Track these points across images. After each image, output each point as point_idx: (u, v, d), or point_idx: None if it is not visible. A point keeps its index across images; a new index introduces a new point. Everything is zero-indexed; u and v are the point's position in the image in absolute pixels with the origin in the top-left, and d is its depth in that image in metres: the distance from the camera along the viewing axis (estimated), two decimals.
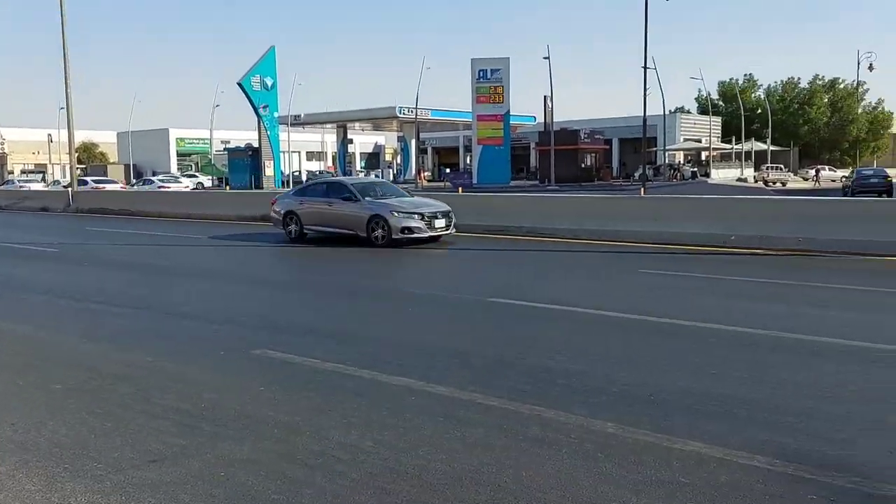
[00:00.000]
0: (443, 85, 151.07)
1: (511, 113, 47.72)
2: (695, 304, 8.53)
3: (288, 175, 51.76)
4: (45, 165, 72.09)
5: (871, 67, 58.40)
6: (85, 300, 9.32)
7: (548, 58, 46.35)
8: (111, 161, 78.97)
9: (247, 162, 47.72)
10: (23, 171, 69.46)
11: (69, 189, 30.35)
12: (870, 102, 77.99)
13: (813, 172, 55.07)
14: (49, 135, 68.68)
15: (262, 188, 42.39)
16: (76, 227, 21.89)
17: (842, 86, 76.80)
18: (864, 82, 73.32)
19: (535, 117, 61.38)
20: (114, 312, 8.56)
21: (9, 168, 70.36)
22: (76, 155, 31.41)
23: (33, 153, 79.02)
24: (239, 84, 44.71)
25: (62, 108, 34.34)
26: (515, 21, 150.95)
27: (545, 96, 50.46)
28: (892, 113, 78.81)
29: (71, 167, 30.75)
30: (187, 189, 45.19)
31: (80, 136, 69.98)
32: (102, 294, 9.76)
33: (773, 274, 10.68)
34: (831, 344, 6.37)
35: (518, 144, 60.49)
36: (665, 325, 7.22)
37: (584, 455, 4.01)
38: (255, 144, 47.90)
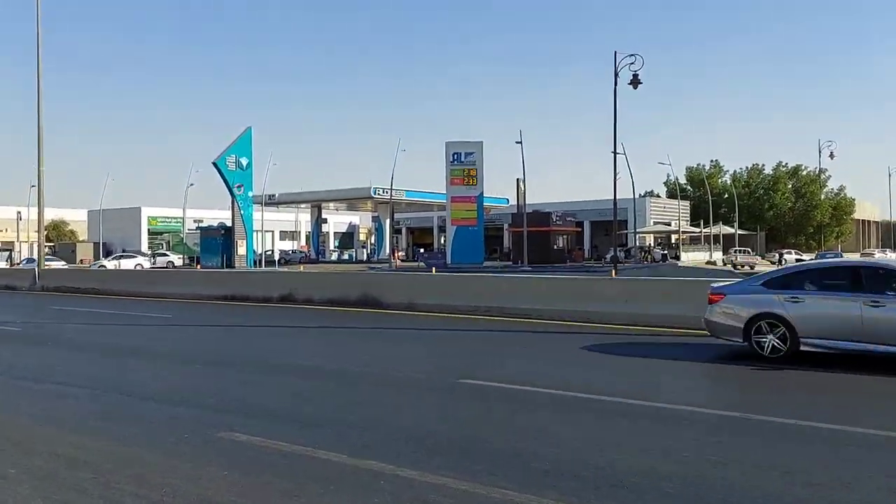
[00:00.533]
0: (417, 166, 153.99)
1: (484, 195, 48.59)
2: (654, 383, 8.51)
3: (260, 254, 51.69)
4: (12, 243, 71.23)
5: (831, 155, 60.89)
6: (44, 381, 9.05)
7: (520, 142, 47.67)
8: (80, 239, 78.35)
9: (219, 241, 47.66)
10: None
11: (35, 267, 29.93)
12: (832, 189, 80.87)
13: (778, 256, 56.40)
14: (18, 212, 68.15)
15: (233, 267, 42.20)
16: (40, 306, 21.46)
17: (804, 172, 79.67)
18: (826, 169, 76.28)
19: (507, 199, 62.54)
20: (74, 394, 8.30)
21: None
22: (45, 233, 31.09)
23: (1, 231, 78.18)
24: (214, 164, 45.16)
25: (33, 186, 34.28)
26: (490, 104, 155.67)
27: (518, 179, 51.63)
28: (853, 199, 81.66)
29: (39, 245, 30.42)
30: (140, 268, 44.67)
31: (50, 214, 69.67)
32: (63, 374, 9.48)
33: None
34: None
35: (492, 225, 61.37)
36: (626, 407, 7.18)
37: None
38: (229, 223, 47.96)
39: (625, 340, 12.13)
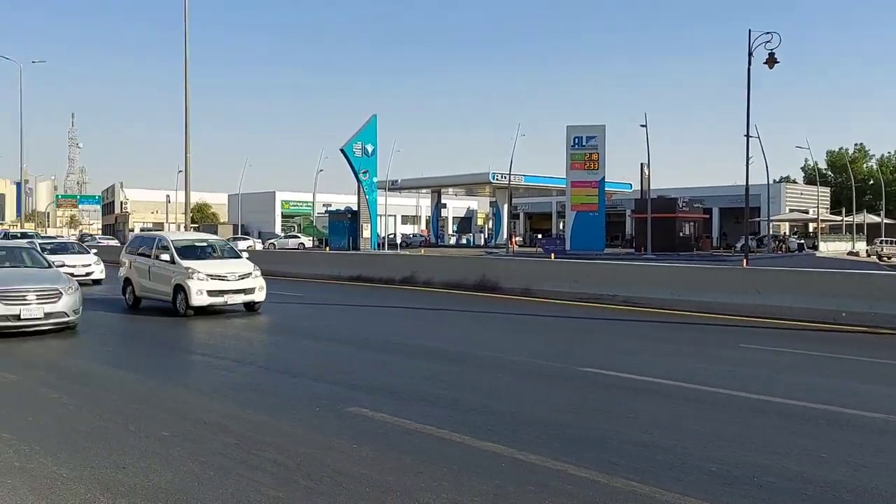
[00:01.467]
0: (537, 151, 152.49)
1: (606, 180, 47.53)
2: (798, 382, 8.10)
3: (383, 237, 53.14)
4: (161, 224, 76.97)
5: None
6: (189, 352, 9.82)
7: (645, 126, 46.14)
8: (221, 221, 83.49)
9: (346, 224, 49.45)
10: (141, 229, 74.43)
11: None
12: None
13: None
14: (167, 195, 73.53)
15: (359, 249, 43.66)
16: None
17: None
18: None
19: (630, 185, 60.86)
20: (221, 366, 8.96)
21: (130, 226, 75.48)
22: (190, 215, 33.43)
23: (152, 212, 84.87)
24: (342, 150, 46.75)
25: (180, 171, 36.88)
26: (613, 88, 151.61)
27: (642, 164, 50.08)
28: None
29: (186, 226, 32.72)
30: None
31: (195, 198, 74.58)
32: (207, 348, 10.24)
33: (885, 354, 10.03)
34: None
35: (613, 212, 59.97)
36: (766, 404, 6.89)
37: None
38: (355, 208, 49.62)
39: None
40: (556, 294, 16.87)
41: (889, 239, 54.51)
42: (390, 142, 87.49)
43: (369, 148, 47.07)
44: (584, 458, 5.13)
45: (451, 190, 71.77)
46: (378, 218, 50.88)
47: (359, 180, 46.95)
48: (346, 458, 5.12)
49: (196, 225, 73.77)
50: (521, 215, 78.71)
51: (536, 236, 63.12)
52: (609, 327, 12.94)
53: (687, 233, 51.28)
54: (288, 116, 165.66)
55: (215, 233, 71.17)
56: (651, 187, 49.37)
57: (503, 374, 8.54)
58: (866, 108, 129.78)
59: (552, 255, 35.18)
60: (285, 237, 61.37)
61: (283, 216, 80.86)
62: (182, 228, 43.48)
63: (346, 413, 6.40)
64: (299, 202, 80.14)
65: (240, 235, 60.65)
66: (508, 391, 7.57)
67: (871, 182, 69.00)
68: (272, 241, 57.18)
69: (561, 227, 58.93)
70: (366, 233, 47.34)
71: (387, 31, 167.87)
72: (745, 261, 26.34)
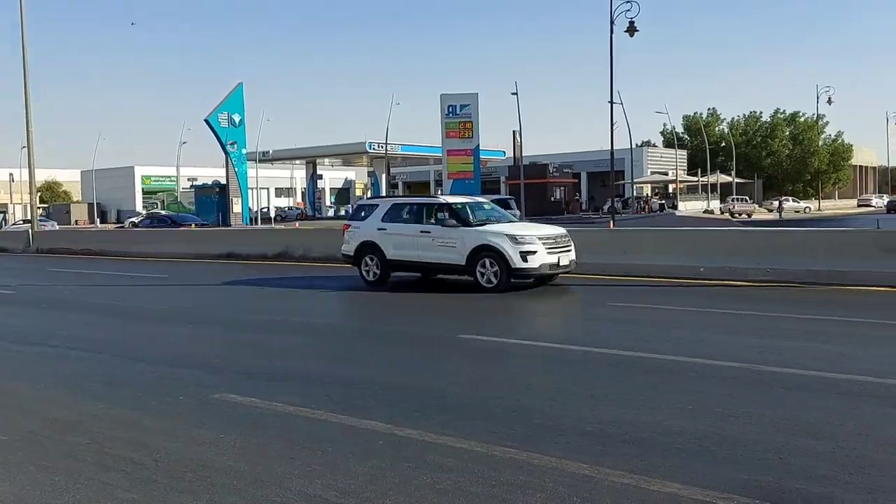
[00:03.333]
0: (413, 120, 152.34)
1: (481, 147, 48.05)
2: (667, 336, 8.43)
3: (256, 212, 51.30)
4: (5, 205, 70.72)
5: (829, 101, 60.21)
6: (40, 344, 8.95)
7: (516, 93, 46.95)
8: (75, 199, 77.81)
9: (215, 199, 47.26)
10: None
11: (29, 228, 29.69)
12: (829, 135, 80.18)
13: (776, 204, 56.18)
14: (10, 174, 67.48)
15: (229, 225, 41.96)
16: (36, 268, 21.32)
17: (802, 119, 78.92)
18: (824, 115, 75.45)
19: (504, 152, 61.90)
20: (72, 356, 8.21)
21: None
22: (38, 194, 30.78)
23: None
24: (206, 121, 44.47)
25: (24, 147, 33.78)
26: (484, 56, 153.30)
27: (514, 131, 50.97)
28: (851, 145, 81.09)
29: (32, 206, 30.12)
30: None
31: (43, 175, 69.03)
32: (61, 338, 9.37)
33: (745, 306, 10.67)
34: (811, 377, 6.28)
35: (488, 178, 60.87)
36: (636, 360, 7.10)
37: (559, 500, 3.82)
38: (223, 181, 47.53)
39: None
40: None
41: (740, 197, 58.70)
42: (259, 111, 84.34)
43: (236, 118, 45.06)
44: (462, 428, 5.03)
45: (326, 161, 70.27)
46: (249, 191, 49.02)
47: (226, 152, 44.91)
48: (211, 450, 4.76)
49: (45, 205, 68.45)
50: (400, 184, 78.48)
51: None
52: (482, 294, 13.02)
53: (558, 197, 53.02)
54: (145, 85, 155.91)
55: (68, 212, 66.45)
56: (523, 154, 50.45)
57: (378, 346, 8.35)
58: (719, 74, 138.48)
59: None
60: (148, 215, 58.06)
61: (145, 192, 76.39)
62: (28, 209, 39.56)
63: (211, 400, 5.98)
64: (162, 177, 75.99)
65: (153, 211, 56.14)
66: (387, 363, 7.39)
67: (724, 144, 73.75)
68: (132, 219, 53.62)
69: (439, 194, 59.21)
70: (236, 207, 45.48)
71: None
72: (611, 222, 27.43)
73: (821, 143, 77.76)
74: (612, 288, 12.82)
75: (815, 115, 74.82)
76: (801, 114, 79.50)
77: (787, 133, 79.01)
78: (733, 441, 4.67)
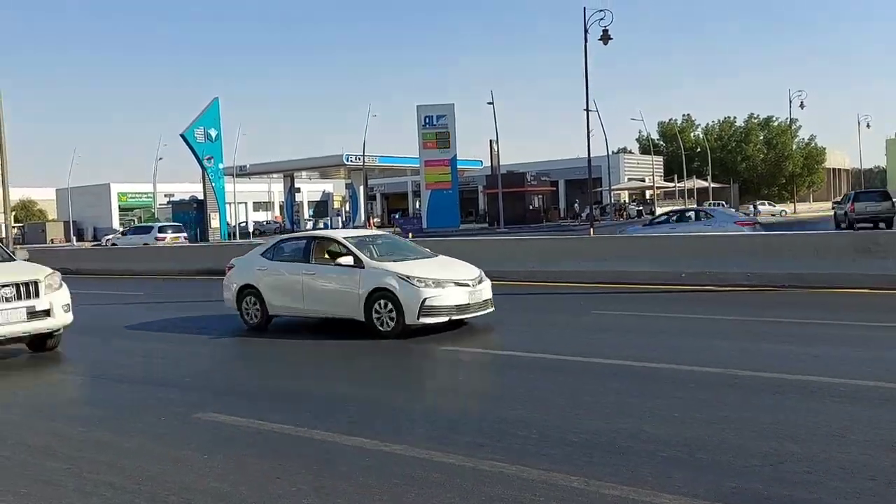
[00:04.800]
0: (390, 131, 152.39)
1: (458, 157, 48.18)
2: (649, 344, 8.45)
3: (234, 226, 50.94)
4: None
5: (802, 105, 61.10)
6: (5, 366, 8.76)
7: (492, 103, 47.19)
8: (50, 218, 76.75)
9: (192, 215, 46.83)
10: None
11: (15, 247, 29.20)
12: (803, 139, 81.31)
13: (752, 208, 56.77)
14: None
15: (207, 241, 41.60)
16: None
17: (776, 123, 79.95)
18: (797, 119, 76.50)
19: (481, 161, 62.10)
20: (42, 378, 8.04)
21: None
22: (13, 213, 30.31)
23: None
24: (182, 136, 44.17)
25: None
26: (461, 67, 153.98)
27: (491, 140, 51.26)
28: (824, 148, 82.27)
29: (6, 226, 29.62)
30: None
31: (17, 194, 67.95)
32: (34, 358, 9.18)
33: (727, 311, 10.73)
34: (792, 381, 6.31)
35: (466, 188, 61.09)
36: (620, 368, 7.09)
37: None
38: (200, 197, 47.16)
39: None
40: None
41: (716, 202, 59.25)
42: (235, 126, 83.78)
43: (212, 132, 44.80)
44: (449, 442, 4.98)
45: (304, 174, 70.01)
46: (227, 206, 48.71)
47: (203, 167, 44.62)
48: (194, 472, 4.67)
49: (21, 224, 67.50)
50: (378, 196, 78.35)
51: (394, 216, 63.07)
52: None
53: (536, 205, 53.27)
54: (120, 103, 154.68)
55: (43, 231, 65.50)
56: (500, 163, 50.66)
57: (362, 358, 8.28)
58: (692, 81, 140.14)
59: (409, 234, 35.17)
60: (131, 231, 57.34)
61: (121, 209, 75.52)
62: (2, 228, 38.84)
63: (193, 420, 5.88)
64: (138, 194, 75.18)
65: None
66: (375, 377, 7.32)
67: (699, 149, 74.50)
68: (110, 237, 52.81)
69: (417, 206, 59.22)
70: (214, 223, 45.16)
71: (224, 8, 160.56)
72: (591, 230, 27.56)
73: (794, 146, 78.82)
74: (594, 296, 12.84)
75: (789, 120, 75.95)
76: (774, 118, 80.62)
77: (762, 137, 79.98)
78: (718, 447, 4.67)
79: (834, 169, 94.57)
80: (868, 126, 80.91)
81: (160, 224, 40.99)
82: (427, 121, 46.42)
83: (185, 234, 37.41)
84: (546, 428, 5.24)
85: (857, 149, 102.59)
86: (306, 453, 4.93)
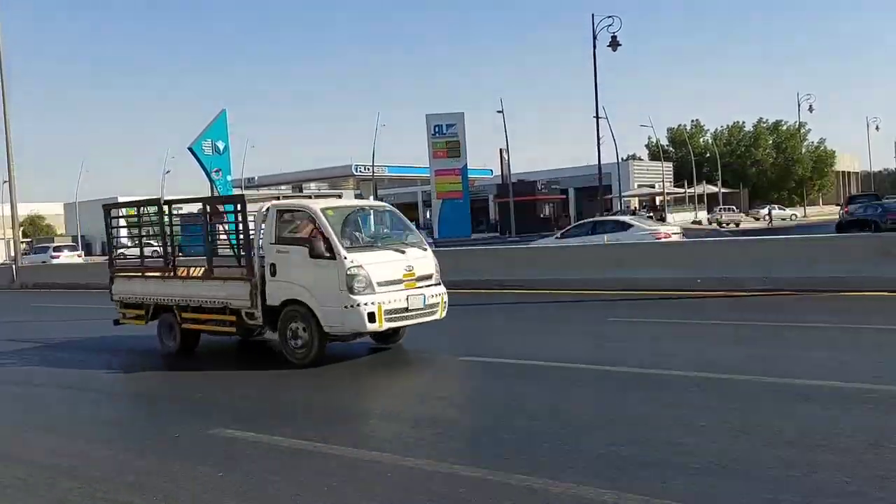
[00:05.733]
0: (399, 141, 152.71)
1: (468, 166, 48.11)
2: (670, 351, 8.28)
3: None
4: None
5: (811, 108, 60.84)
6: (25, 383, 8.68)
7: (501, 111, 47.16)
8: (59, 233, 77.08)
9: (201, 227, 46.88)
10: None
11: (13, 264, 29.28)
12: (812, 142, 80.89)
13: (765, 212, 56.40)
14: None
15: None
16: (20, 304, 20.95)
17: (784, 127, 79.60)
18: (806, 123, 76.15)
19: (492, 170, 62.04)
20: (55, 396, 7.95)
21: None
22: (21, 228, 30.42)
23: None
24: (190, 149, 44.24)
25: (5, 182, 33.45)
26: (470, 76, 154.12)
27: (501, 149, 51.17)
28: (833, 151, 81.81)
29: (15, 241, 29.70)
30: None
31: (25, 209, 68.29)
32: (44, 375, 9.10)
33: (746, 316, 10.55)
34: (817, 386, 6.13)
35: (477, 198, 60.95)
36: (642, 376, 6.94)
37: None
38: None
39: None
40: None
41: (726, 207, 58.97)
42: (244, 139, 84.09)
43: (220, 145, 44.65)
44: (473, 455, 4.85)
45: (313, 184, 70.20)
46: None
47: (211, 180, 44.50)
48: (211, 491, 4.54)
49: (28, 239, 67.82)
50: None
51: None
52: (482, 312, 12.86)
53: (547, 213, 53.10)
54: (127, 115, 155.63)
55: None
56: (511, 171, 50.57)
57: (363, 367, 8.15)
58: (701, 86, 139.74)
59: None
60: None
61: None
62: (11, 244, 38.46)
63: (209, 437, 5.76)
64: None
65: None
66: (381, 388, 7.19)
67: (708, 155, 74.21)
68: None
69: (428, 215, 59.16)
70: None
71: (235, 21, 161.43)
72: (605, 237, 27.35)
73: (804, 150, 78.39)
74: (610, 303, 12.68)
75: (798, 123, 75.60)
76: (783, 122, 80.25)
77: (771, 142, 79.57)
78: (750, 458, 4.51)
79: (843, 172, 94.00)
80: (877, 128, 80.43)
81: (55, 244, 41.85)
82: (437, 130, 46.38)
83: (80, 252, 38.20)
84: (572, 439, 5.09)
85: (866, 151, 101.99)
86: (324, 469, 4.80)
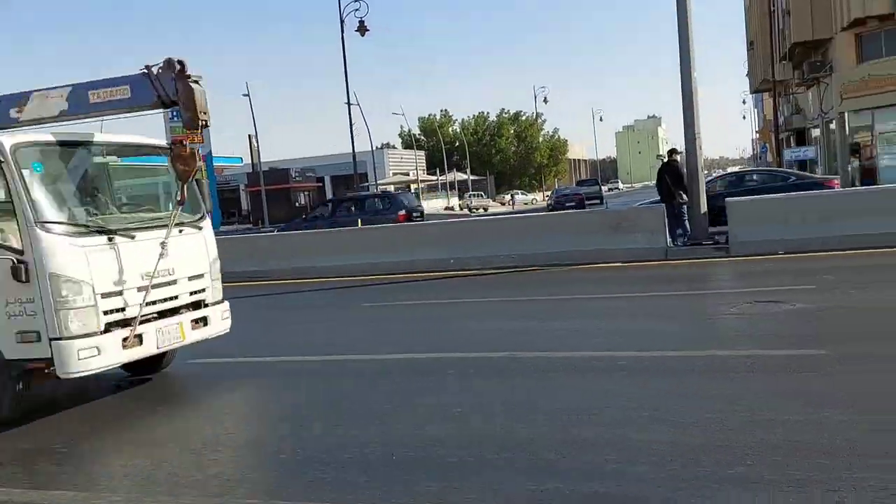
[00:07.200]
0: (130, 125, 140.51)
1: (215, 154, 45.11)
2: (431, 330, 7.88)
3: None
4: None
5: (545, 100, 66.09)
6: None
7: (248, 95, 44.86)
8: None
9: None
10: None
11: None
12: (548, 132, 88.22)
13: (509, 197, 60.30)
14: None
15: None
16: None
17: (524, 118, 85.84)
18: (542, 114, 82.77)
19: (241, 158, 59.01)
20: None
21: None
22: None
23: None
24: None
25: None
26: (214, 61, 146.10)
27: (250, 135, 48.72)
28: (566, 140, 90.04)
29: None
30: None
31: None
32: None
33: (500, 293, 10.57)
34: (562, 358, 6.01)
35: (226, 187, 57.73)
36: (406, 361, 6.40)
37: None
38: None
39: None
40: None
41: (476, 193, 62.06)
42: None
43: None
44: None
45: None
46: None
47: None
48: None
49: None
50: None
51: None
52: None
53: (303, 202, 51.81)
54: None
55: None
56: (262, 160, 48.42)
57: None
58: (448, 77, 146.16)
59: None
60: None
61: None
62: None
63: None
64: None
65: None
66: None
67: (458, 144, 77.61)
68: None
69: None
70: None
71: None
72: (360, 221, 26.98)
73: (541, 139, 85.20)
74: (366, 288, 12.15)
75: (535, 114, 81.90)
76: (523, 113, 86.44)
77: (512, 131, 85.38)
78: (521, 444, 4.08)
79: (575, 159, 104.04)
80: (601, 119, 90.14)
81: None
82: (176, 113, 42.85)
83: None
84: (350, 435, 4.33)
85: (593, 140, 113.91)
86: None
